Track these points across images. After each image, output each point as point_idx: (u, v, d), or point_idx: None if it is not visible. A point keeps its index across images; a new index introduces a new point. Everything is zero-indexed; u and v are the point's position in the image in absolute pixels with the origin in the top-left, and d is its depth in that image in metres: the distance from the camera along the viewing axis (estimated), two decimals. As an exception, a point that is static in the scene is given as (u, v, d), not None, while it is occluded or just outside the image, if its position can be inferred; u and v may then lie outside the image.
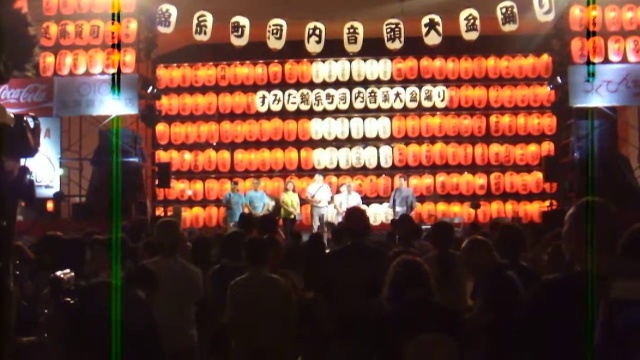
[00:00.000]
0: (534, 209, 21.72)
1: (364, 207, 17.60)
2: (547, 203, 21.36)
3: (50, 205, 20.20)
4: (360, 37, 20.85)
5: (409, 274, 5.32)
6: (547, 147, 22.20)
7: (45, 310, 5.19)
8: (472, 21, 20.23)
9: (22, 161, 4.92)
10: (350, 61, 22.66)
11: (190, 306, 7.37)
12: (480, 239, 6.65)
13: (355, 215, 7.84)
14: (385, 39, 20.77)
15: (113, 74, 18.83)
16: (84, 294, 5.13)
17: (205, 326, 7.55)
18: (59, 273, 5.06)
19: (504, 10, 19.94)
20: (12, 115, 4.76)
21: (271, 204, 20.27)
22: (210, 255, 8.77)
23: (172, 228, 7.70)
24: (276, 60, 22.84)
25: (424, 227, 14.52)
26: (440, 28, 20.44)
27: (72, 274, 5.14)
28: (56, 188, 20.17)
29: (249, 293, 6.88)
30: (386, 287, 5.41)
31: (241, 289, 6.92)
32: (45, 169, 19.92)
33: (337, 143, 22.87)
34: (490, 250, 6.44)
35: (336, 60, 22.69)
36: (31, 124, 4.78)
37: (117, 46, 18.52)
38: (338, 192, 20.76)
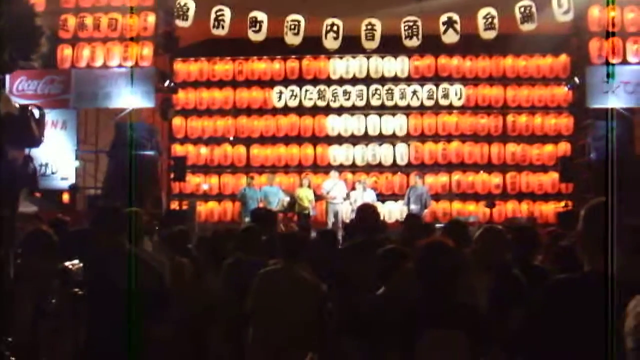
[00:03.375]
0: (549, 210, 21.62)
1: (377, 204, 17.55)
2: (563, 204, 21.28)
3: (66, 197, 20.25)
4: (378, 34, 20.78)
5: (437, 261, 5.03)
6: (564, 147, 22.08)
7: (53, 300, 5.20)
8: (490, 20, 20.12)
9: (27, 150, 4.93)
10: (368, 58, 22.61)
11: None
12: (496, 229, 6.62)
13: (366, 212, 7.84)
14: (403, 36, 20.71)
15: (131, 67, 18.92)
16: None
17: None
18: (67, 264, 5.06)
19: (522, 9, 19.81)
20: (17, 105, 4.77)
21: (286, 199, 20.31)
22: (224, 249, 8.75)
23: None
24: (294, 56, 22.81)
25: (438, 225, 14.42)
26: (458, 26, 20.36)
27: (81, 264, 5.15)
28: (72, 180, 20.17)
29: (278, 285, 6.81)
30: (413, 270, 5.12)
31: (270, 280, 6.86)
32: (61, 161, 19.95)
33: (354, 140, 22.81)
34: (503, 243, 6.40)
35: (354, 57, 22.66)
36: (36, 114, 4.78)
37: (136, 39, 18.60)
38: (353, 188, 20.75)
